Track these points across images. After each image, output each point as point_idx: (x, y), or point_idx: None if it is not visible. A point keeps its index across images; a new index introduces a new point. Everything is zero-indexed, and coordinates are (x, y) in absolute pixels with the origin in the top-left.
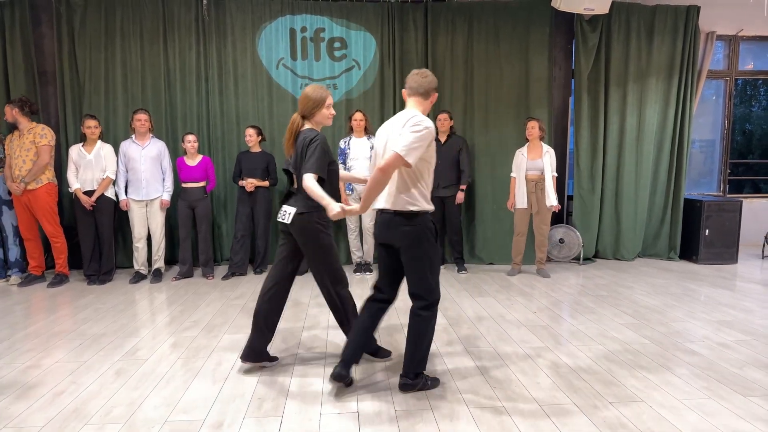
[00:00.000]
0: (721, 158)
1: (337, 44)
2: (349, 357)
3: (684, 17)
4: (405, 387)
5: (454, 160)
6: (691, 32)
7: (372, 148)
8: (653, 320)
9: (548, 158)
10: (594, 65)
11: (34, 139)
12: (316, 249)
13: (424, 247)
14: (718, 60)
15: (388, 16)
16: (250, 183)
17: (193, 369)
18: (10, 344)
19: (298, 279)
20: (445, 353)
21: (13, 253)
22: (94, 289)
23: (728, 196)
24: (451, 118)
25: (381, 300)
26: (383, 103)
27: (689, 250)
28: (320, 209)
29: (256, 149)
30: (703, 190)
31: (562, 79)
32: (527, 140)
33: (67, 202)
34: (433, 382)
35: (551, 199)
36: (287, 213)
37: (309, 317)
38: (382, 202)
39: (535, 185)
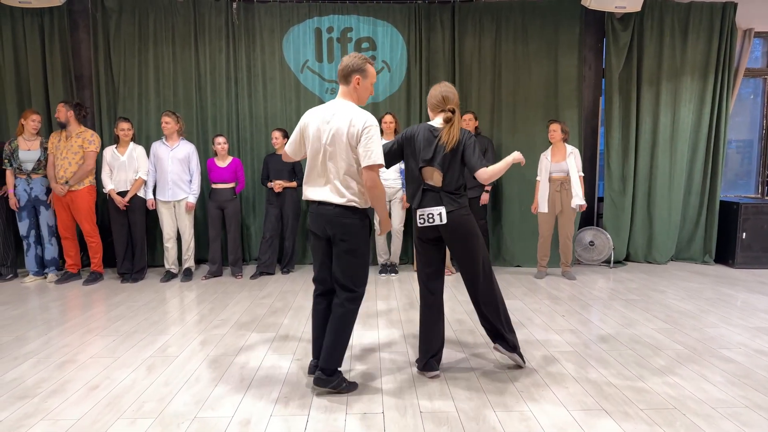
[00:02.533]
0: (759, 159)
1: (365, 44)
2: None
3: (720, 14)
4: (319, 382)
5: None
6: (728, 29)
7: None
8: (687, 325)
9: (573, 159)
10: (626, 64)
11: (82, 144)
12: (475, 240)
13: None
14: (756, 58)
15: (415, 17)
16: (278, 184)
17: (222, 366)
18: (47, 339)
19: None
20: (471, 356)
21: (50, 251)
22: (126, 287)
23: (767, 198)
24: (476, 119)
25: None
26: (409, 105)
27: (725, 253)
28: (465, 199)
29: (282, 151)
30: (740, 192)
31: (593, 78)
32: (551, 143)
33: (101, 202)
34: (350, 386)
35: (578, 199)
36: (436, 215)
37: None
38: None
39: (560, 185)
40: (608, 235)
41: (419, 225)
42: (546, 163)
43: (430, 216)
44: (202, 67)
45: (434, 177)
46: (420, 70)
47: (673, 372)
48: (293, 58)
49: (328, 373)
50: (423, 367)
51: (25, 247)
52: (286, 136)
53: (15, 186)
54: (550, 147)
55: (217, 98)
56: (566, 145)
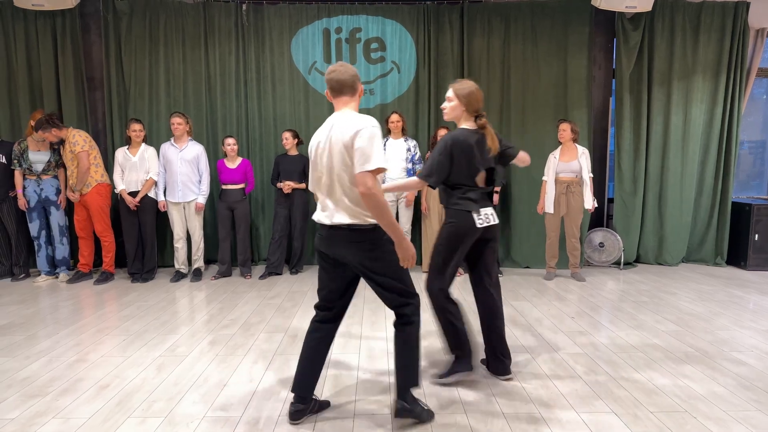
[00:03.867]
0: None
1: (374, 45)
2: None
3: (732, 14)
4: (402, 413)
5: None
6: (740, 29)
7: (409, 150)
8: (698, 328)
9: (584, 159)
10: (636, 64)
11: (71, 149)
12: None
13: None
14: None
15: (424, 18)
16: (287, 185)
17: (231, 366)
18: (59, 339)
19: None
20: (479, 358)
21: (61, 251)
22: (137, 287)
23: None
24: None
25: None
26: (418, 106)
27: (737, 255)
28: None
29: (293, 152)
30: (752, 193)
31: (602, 78)
32: (560, 143)
33: (112, 202)
34: (429, 414)
35: (588, 201)
36: (491, 214)
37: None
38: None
39: (567, 187)
40: (618, 237)
41: (479, 226)
42: (554, 162)
43: (487, 216)
44: (212, 69)
45: (481, 179)
46: (429, 71)
47: (684, 375)
48: (302, 60)
49: (409, 400)
50: (496, 370)
51: (36, 247)
52: (297, 136)
53: (24, 187)
54: (560, 147)
55: (227, 99)
56: (577, 145)
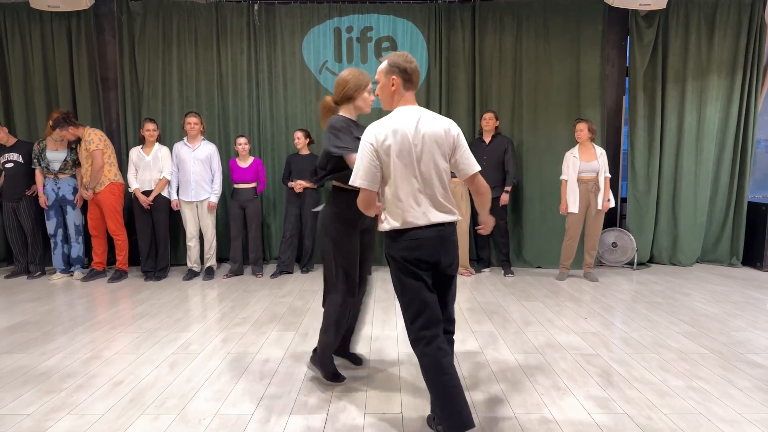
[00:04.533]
0: None
1: (385, 44)
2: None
3: (749, 10)
4: None
5: (499, 161)
6: (756, 26)
7: None
8: (713, 329)
9: (603, 159)
10: (650, 62)
11: (86, 147)
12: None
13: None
14: None
15: (435, 16)
16: (299, 184)
17: (242, 364)
18: (74, 336)
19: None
20: (491, 359)
21: (76, 249)
22: (150, 285)
23: None
24: (496, 118)
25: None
26: (429, 105)
27: (753, 256)
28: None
29: (305, 151)
30: None
31: (616, 77)
32: (577, 142)
33: (126, 201)
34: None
35: (600, 201)
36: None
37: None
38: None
39: (594, 186)
40: (631, 237)
41: None
42: (574, 161)
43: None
44: (224, 69)
45: None
46: (440, 70)
47: (698, 376)
48: (313, 59)
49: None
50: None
51: (52, 245)
52: (309, 136)
53: (44, 185)
54: (577, 146)
55: (239, 99)
56: (594, 145)
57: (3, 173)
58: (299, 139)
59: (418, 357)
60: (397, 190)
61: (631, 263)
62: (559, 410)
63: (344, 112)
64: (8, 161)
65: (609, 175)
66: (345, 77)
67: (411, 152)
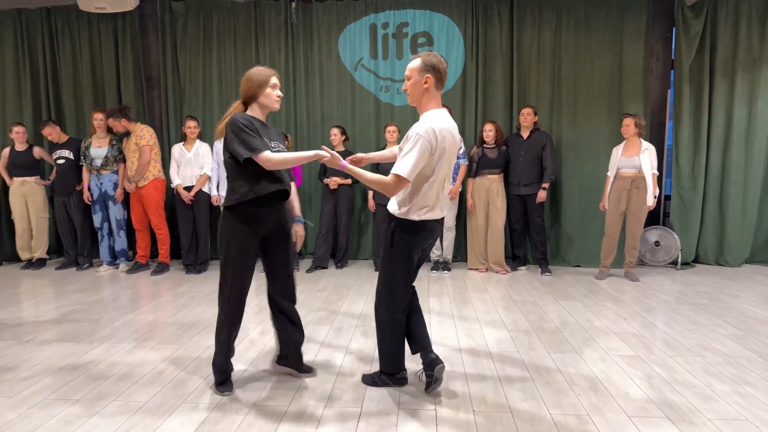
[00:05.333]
0: None
1: (422, 39)
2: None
3: None
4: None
5: (537, 157)
6: None
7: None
8: (762, 333)
9: (647, 155)
10: (697, 54)
11: (136, 141)
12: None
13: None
14: None
15: (472, 11)
16: (334, 181)
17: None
18: (119, 326)
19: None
20: (527, 358)
21: (119, 243)
22: (191, 278)
23: None
24: (535, 113)
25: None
26: (465, 101)
27: None
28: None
29: (340, 148)
30: None
31: (660, 70)
32: (624, 138)
33: (169, 196)
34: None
35: (648, 199)
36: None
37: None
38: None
39: (630, 183)
40: (675, 236)
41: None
42: (616, 157)
43: None
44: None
45: None
46: (476, 65)
47: (745, 381)
48: (349, 57)
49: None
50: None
51: (99, 238)
52: (344, 133)
53: (89, 181)
54: (623, 142)
55: None
56: (642, 140)
57: (55, 169)
58: (335, 136)
59: (387, 322)
60: (437, 187)
61: (674, 263)
62: (597, 412)
63: (252, 111)
64: (60, 158)
65: (657, 173)
66: (248, 75)
67: (451, 156)
